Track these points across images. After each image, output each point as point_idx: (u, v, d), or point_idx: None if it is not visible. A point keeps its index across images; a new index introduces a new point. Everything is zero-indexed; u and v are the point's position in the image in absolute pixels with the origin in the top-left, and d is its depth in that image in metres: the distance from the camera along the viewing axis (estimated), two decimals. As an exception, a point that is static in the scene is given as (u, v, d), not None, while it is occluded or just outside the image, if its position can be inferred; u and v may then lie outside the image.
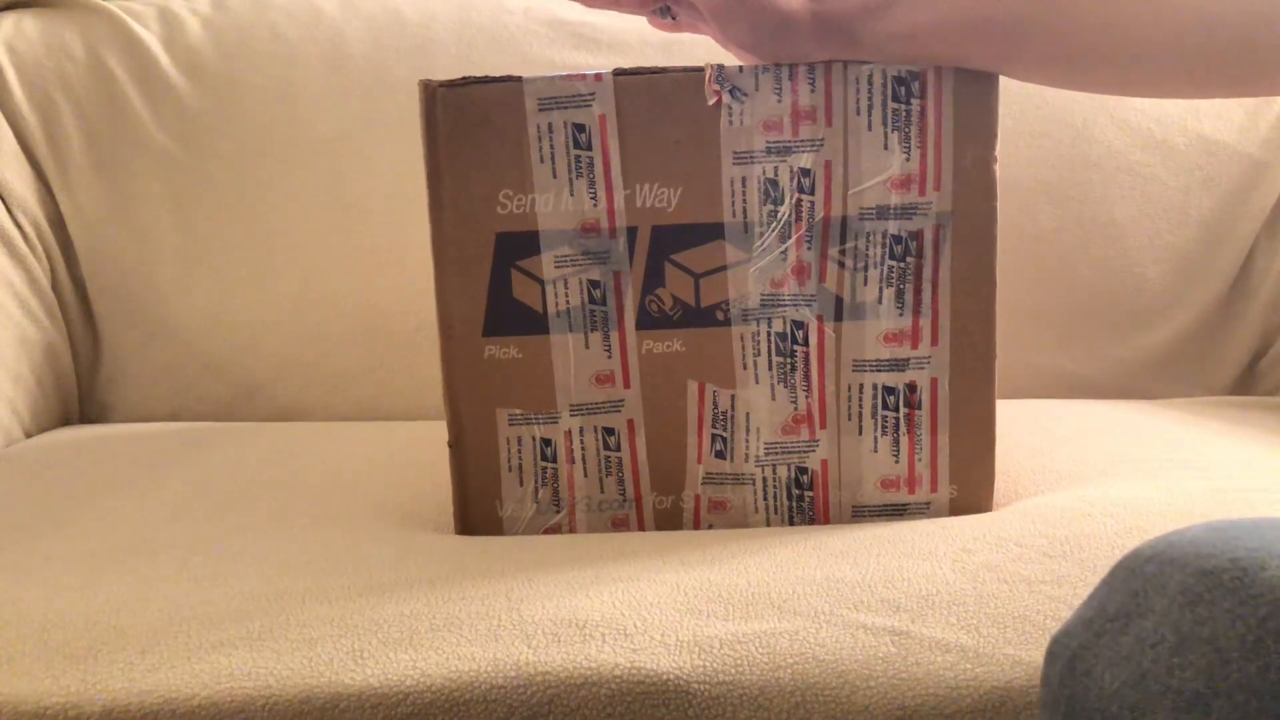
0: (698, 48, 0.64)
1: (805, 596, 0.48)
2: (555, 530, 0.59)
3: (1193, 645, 0.30)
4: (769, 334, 0.57)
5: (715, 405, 0.58)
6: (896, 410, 0.58)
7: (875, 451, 0.58)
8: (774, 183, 0.56)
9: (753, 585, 0.49)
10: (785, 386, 0.58)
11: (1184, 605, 0.31)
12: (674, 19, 0.61)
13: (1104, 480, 0.61)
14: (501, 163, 0.56)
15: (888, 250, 0.56)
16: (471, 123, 0.55)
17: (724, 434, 0.58)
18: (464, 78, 0.55)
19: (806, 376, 0.58)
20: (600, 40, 0.94)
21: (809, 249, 0.56)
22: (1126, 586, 0.33)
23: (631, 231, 0.56)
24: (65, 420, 0.92)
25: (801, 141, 0.56)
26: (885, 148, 0.56)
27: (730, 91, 0.55)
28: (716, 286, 0.57)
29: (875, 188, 0.56)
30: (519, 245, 0.56)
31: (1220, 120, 0.92)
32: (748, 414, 0.58)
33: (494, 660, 0.44)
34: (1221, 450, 0.67)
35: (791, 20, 0.54)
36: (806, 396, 0.58)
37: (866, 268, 0.57)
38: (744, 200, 0.56)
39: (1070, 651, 0.33)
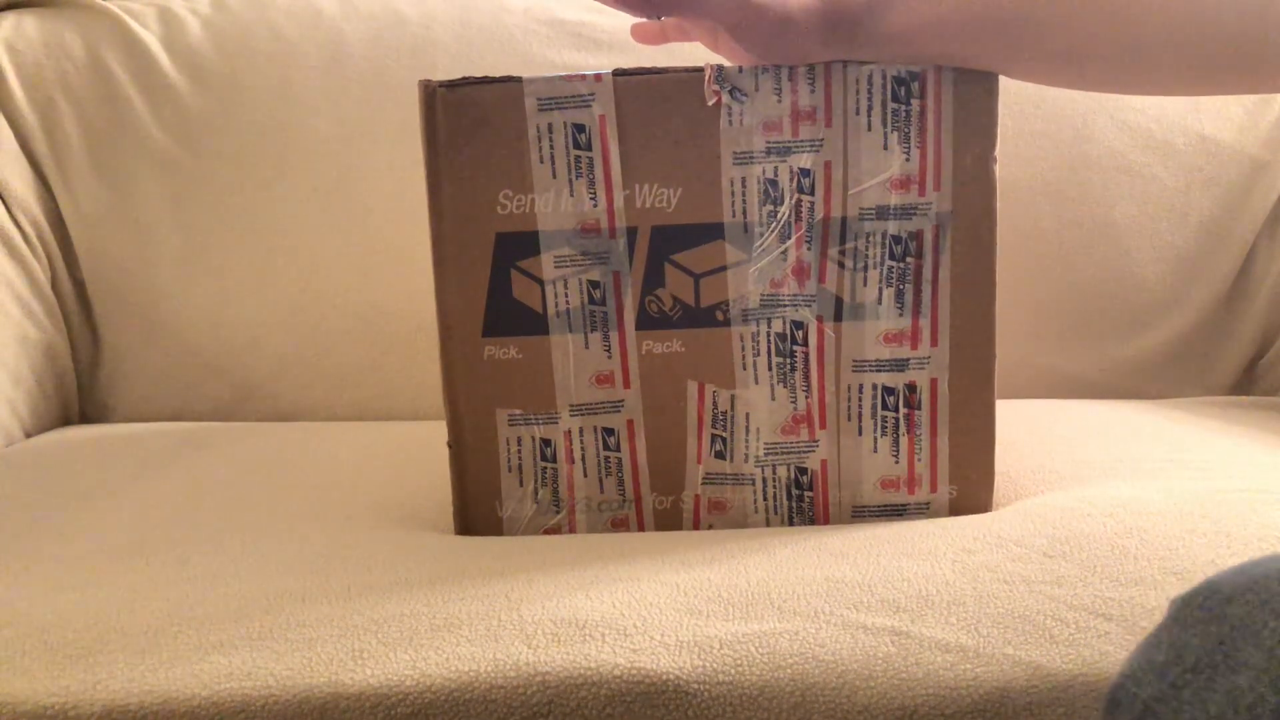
0: (698, 49, 0.64)
1: (805, 596, 0.48)
2: (555, 530, 0.59)
3: None
4: (769, 334, 0.57)
5: (715, 405, 0.58)
6: (896, 410, 0.58)
7: (875, 451, 0.58)
8: (774, 183, 0.56)
9: (753, 585, 0.49)
10: (785, 387, 0.58)
11: None
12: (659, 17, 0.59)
13: (1104, 480, 0.61)
14: (501, 163, 0.56)
15: (887, 250, 0.56)
16: (471, 123, 0.55)
17: (724, 434, 0.58)
18: (464, 78, 0.55)
19: (806, 377, 0.58)
20: (600, 40, 0.94)
21: (809, 249, 0.56)
22: (1208, 631, 0.29)
23: (631, 232, 0.56)
24: (65, 420, 0.92)
25: (801, 142, 0.56)
26: (885, 148, 0.56)
27: (730, 92, 0.55)
28: (716, 287, 0.57)
29: (875, 188, 0.56)
30: (519, 245, 0.56)
31: (1220, 120, 0.92)
32: (747, 414, 0.58)
33: (494, 660, 0.44)
34: (1221, 450, 0.67)
35: (796, 22, 0.54)
36: (806, 397, 0.58)
37: (866, 268, 0.57)
38: (744, 200, 0.56)
39: (1141, 703, 0.30)
